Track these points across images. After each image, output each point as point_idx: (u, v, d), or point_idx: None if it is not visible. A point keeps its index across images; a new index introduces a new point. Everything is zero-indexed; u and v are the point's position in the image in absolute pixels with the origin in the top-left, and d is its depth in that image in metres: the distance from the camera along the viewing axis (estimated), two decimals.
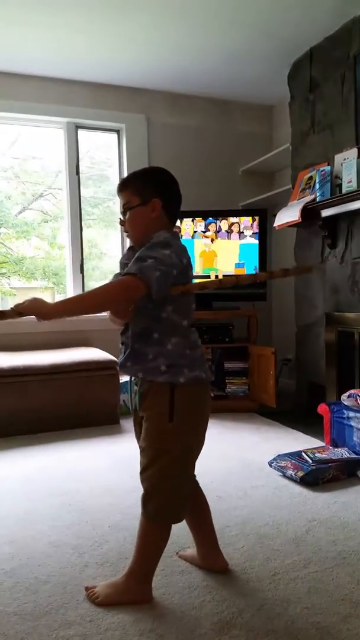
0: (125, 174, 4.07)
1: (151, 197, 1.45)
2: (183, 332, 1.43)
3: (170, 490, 1.41)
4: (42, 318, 1.28)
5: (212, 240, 3.80)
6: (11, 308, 1.29)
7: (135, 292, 1.30)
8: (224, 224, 3.78)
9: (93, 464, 2.62)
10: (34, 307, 1.28)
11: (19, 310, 1.28)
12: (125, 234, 1.54)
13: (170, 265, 1.32)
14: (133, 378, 1.50)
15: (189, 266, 1.42)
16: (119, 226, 4.20)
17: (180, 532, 1.67)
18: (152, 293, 1.29)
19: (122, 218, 1.52)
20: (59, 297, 5.13)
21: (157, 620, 1.38)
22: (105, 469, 2.56)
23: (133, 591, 1.46)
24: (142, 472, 1.44)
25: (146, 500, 1.43)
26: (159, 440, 1.41)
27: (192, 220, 3.80)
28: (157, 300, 1.35)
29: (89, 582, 1.56)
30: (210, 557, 1.63)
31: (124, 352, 1.48)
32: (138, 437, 1.52)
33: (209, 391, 1.51)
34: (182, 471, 1.44)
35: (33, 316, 1.29)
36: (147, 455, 1.43)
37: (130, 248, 1.55)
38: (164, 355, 1.40)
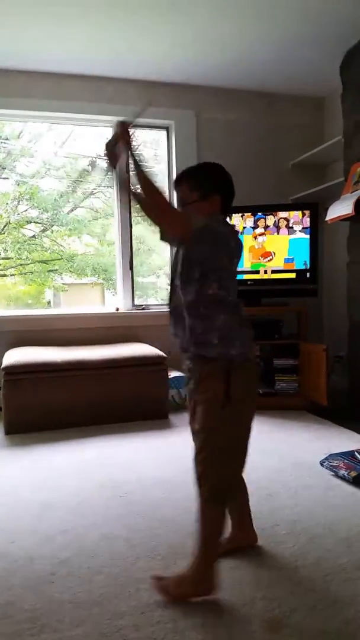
0: (174, 170, 4.08)
1: (211, 193, 1.48)
2: (232, 309, 1.48)
3: (223, 472, 1.45)
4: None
5: (259, 236, 3.75)
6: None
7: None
8: (270, 219, 3.73)
9: (143, 457, 2.66)
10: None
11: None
12: None
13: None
14: (188, 362, 1.54)
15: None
16: None
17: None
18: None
19: None
20: (108, 294, 5.23)
21: (207, 614, 1.38)
22: (154, 462, 2.59)
23: (204, 577, 1.45)
24: (196, 455, 1.47)
25: (201, 482, 1.46)
26: (213, 422, 1.44)
27: (242, 216, 3.77)
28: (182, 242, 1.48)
29: (141, 574, 1.58)
30: (244, 535, 1.71)
31: (173, 323, 1.55)
32: (192, 423, 1.55)
33: (256, 373, 1.56)
34: (234, 453, 1.47)
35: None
36: (200, 438, 1.46)
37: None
38: (214, 329, 1.44)
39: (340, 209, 3.18)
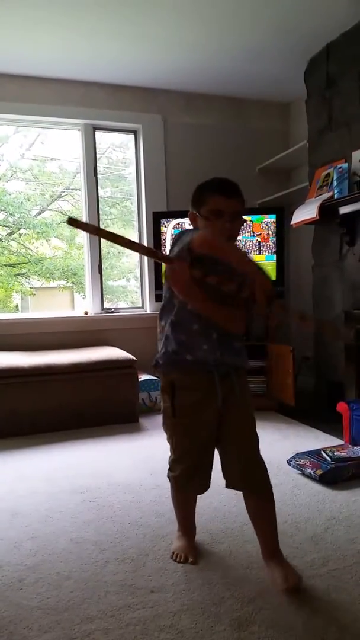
0: (142, 174, 4.09)
1: None
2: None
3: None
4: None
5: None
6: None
7: None
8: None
9: (113, 462, 2.66)
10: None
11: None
12: (223, 234, 1.52)
13: None
14: (217, 369, 1.56)
15: None
16: (136, 225, 4.24)
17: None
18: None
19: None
20: (78, 297, 5.19)
21: (176, 616, 1.40)
22: (125, 466, 2.59)
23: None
24: (255, 455, 1.59)
25: (267, 478, 1.60)
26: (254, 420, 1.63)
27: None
28: None
29: (110, 578, 1.59)
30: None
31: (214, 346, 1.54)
32: (210, 428, 1.59)
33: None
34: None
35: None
36: (254, 437, 1.61)
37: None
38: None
39: (305, 213, 3.25)
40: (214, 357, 1.53)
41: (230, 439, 1.60)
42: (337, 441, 2.82)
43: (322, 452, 2.46)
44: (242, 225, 1.61)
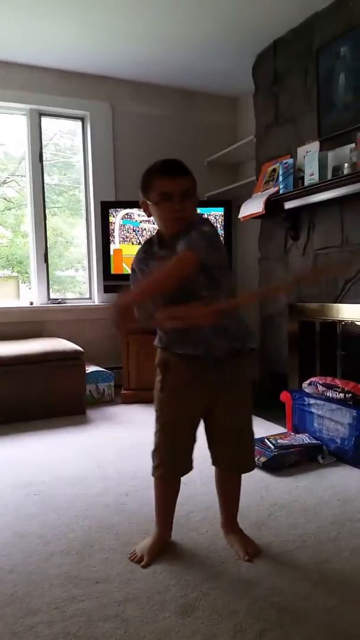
0: (90, 161, 4.03)
1: None
2: None
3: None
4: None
5: None
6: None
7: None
8: None
9: (59, 454, 2.62)
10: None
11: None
12: (174, 215, 1.51)
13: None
14: (209, 356, 1.58)
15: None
16: (84, 214, 4.17)
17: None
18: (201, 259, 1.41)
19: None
20: (23, 287, 5.06)
21: (121, 605, 1.40)
22: (71, 458, 2.56)
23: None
24: (244, 440, 1.69)
25: (253, 458, 1.74)
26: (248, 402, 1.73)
27: None
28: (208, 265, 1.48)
29: (55, 570, 1.57)
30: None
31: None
32: (195, 409, 1.64)
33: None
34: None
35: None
36: (246, 421, 1.71)
37: (149, 244, 1.60)
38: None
39: (251, 207, 3.30)
40: (204, 348, 1.56)
41: (218, 422, 1.66)
42: (280, 429, 2.90)
43: (266, 440, 2.52)
44: (196, 203, 1.56)
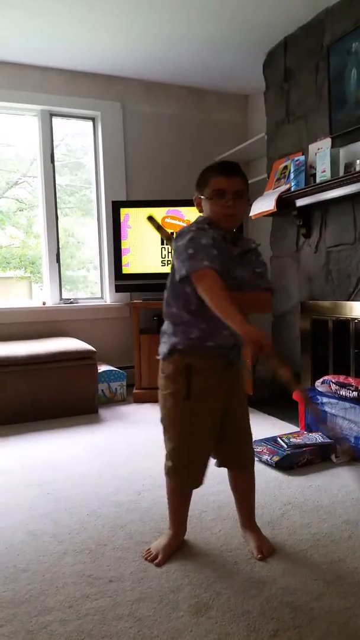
0: (101, 161, 4.04)
1: None
2: None
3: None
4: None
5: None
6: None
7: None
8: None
9: (71, 453, 2.64)
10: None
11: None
12: (225, 212, 1.55)
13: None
14: (232, 352, 1.63)
15: None
16: (95, 214, 4.19)
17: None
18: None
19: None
20: (35, 287, 5.11)
21: (135, 604, 1.41)
22: (83, 458, 2.57)
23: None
24: (250, 436, 1.72)
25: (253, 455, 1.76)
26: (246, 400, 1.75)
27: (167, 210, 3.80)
28: None
29: (68, 569, 1.58)
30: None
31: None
32: (215, 416, 1.63)
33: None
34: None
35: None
36: (248, 418, 1.72)
37: (205, 227, 1.56)
38: None
39: (263, 205, 3.29)
40: (233, 341, 1.58)
41: (231, 422, 1.66)
42: (293, 428, 2.89)
43: (279, 439, 2.51)
44: (246, 204, 1.61)
